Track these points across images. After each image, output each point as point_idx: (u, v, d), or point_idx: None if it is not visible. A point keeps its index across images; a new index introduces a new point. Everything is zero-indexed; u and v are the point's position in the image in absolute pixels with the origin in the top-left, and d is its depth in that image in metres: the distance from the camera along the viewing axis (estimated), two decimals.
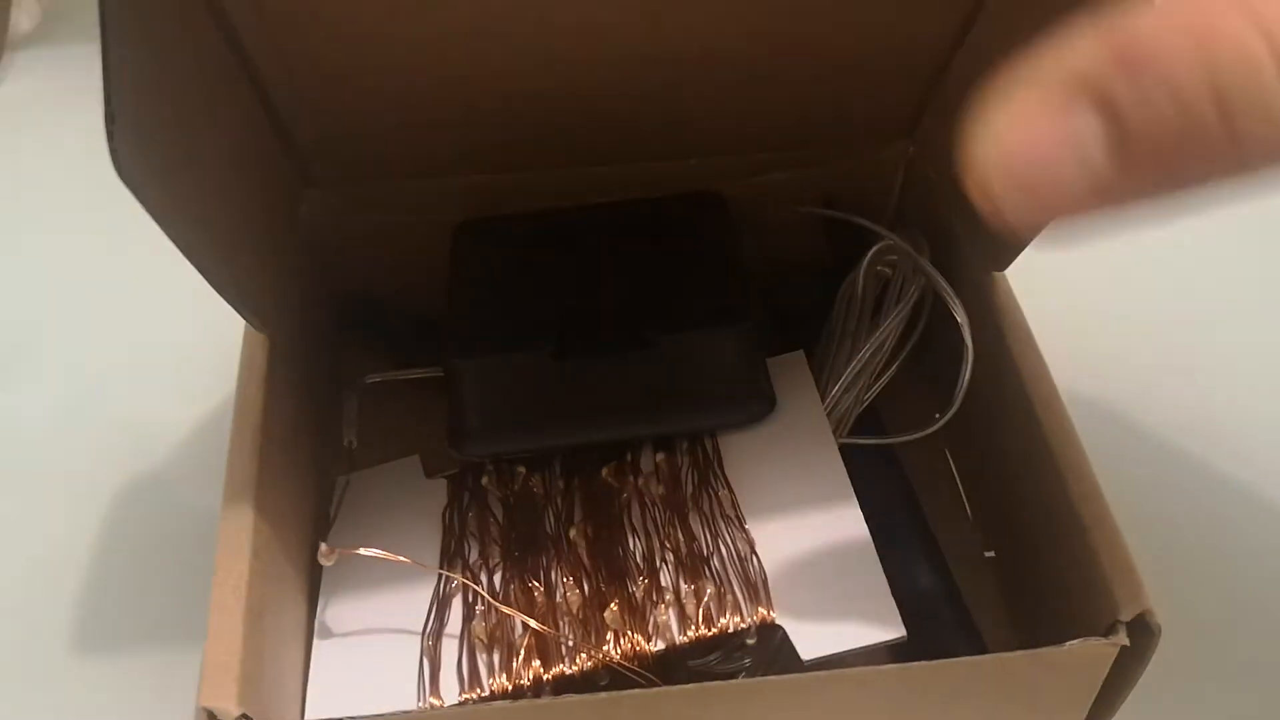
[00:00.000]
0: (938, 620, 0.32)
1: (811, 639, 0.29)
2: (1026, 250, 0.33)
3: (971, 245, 0.35)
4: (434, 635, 0.31)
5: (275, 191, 0.36)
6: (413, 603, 0.32)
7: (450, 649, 0.30)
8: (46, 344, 0.45)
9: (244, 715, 0.25)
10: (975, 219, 0.35)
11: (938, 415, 0.35)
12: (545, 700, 0.26)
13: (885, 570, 0.30)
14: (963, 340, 0.33)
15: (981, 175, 0.18)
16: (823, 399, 0.35)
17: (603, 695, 0.26)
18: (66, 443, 0.42)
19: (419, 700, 0.29)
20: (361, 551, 0.30)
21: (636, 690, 0.26)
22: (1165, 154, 0.17)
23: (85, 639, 0.36)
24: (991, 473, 0.35)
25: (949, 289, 0.34)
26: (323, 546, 0.30)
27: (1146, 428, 0.42)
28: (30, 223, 0.50)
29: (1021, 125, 0.18)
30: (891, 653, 0.32)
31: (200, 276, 0.28)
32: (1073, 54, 0.17)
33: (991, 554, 0.35)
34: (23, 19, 0.57)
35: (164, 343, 0.44)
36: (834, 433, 0.34)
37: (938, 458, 0.39)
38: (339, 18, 0.30)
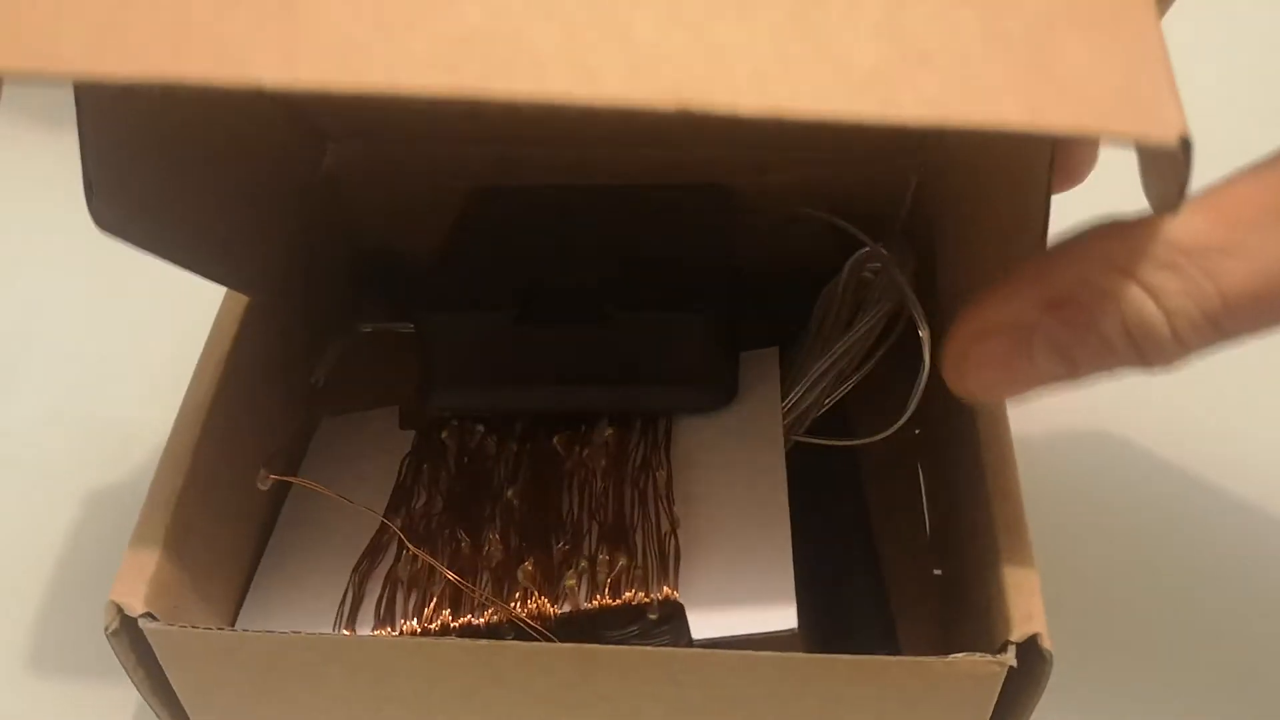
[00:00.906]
0: (857, 625, 0.32)
1: (706, 620, 0.29)
2: None
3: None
4: (363, 573, 0.32)
5: (293, 144, 0.37)
6: (357, 541, 0.33)
7: (375, 588, 0.32)
8: (30, 347, 0.46)
9: (148, 613, 0.27)
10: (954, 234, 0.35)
11: (915, 429, 0.35)
12: (431, 640, 0.27)
13: (812, 571, 0.30)
14: (921, 355, 0.33)
15: (958, 369, 0.25)
16: (785, 396, 0.35)
17: (487, 642, 0.27)
18: (49, 446, 0.42)
19: (335, 630, 0.31)
20: (296, 480, 0.32)
21: (519, 642, 0.27)
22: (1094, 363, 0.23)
23: (72, 638, 0.37)
24: (946, 489, 0.35)
25: (916, 302, 0.34)
26: (262, 471, 0.32)
27: (1099, 440, 0.42)
28: (19, 223, 0.51)
29: (987, 351, 0.24)
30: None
31: (188, 279, 0.30)
32: (1011, 302, 0.24)
33: (939, 572, 0.35)
34: None
35: (151, 345, 0.45)
36: (790, 431, 0.34)
37: (912, 471, 0.38)
38: None
